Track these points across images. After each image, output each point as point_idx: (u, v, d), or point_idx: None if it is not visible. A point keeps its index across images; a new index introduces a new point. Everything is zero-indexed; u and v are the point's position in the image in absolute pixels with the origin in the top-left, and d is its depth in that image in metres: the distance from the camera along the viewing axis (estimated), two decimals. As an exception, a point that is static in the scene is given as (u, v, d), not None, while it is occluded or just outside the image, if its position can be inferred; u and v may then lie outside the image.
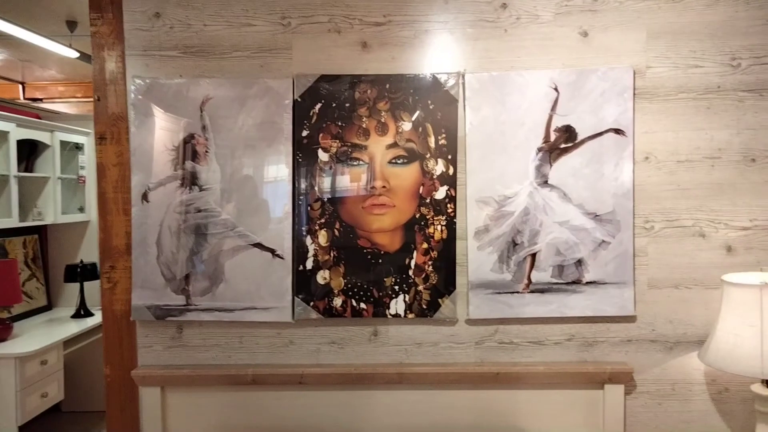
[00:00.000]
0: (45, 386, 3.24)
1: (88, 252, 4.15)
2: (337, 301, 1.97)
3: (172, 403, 2.01)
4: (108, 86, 2.02)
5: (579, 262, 1.93)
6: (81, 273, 3.83)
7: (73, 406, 4.04)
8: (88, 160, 4.22)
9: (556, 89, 1.92)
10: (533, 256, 1.94)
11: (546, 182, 1.93)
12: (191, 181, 1.98)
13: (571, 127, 1.93)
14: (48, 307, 4.06)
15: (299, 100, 1.96)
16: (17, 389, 3.00)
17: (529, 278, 1.94)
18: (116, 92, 2.02)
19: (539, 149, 1.93)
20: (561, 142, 1.93)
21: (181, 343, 2.03)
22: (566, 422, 1.97)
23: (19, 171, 3.53)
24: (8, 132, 3.39)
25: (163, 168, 1.98)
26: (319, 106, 1.96)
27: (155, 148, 1.98)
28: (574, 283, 1.94)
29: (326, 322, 2.00)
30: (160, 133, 1.98)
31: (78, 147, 4.18)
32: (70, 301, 4.03)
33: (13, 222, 3.44)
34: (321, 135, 1.96)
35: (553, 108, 1.93)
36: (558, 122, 1.93)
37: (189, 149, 1.98)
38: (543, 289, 1.94)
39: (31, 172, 3.80)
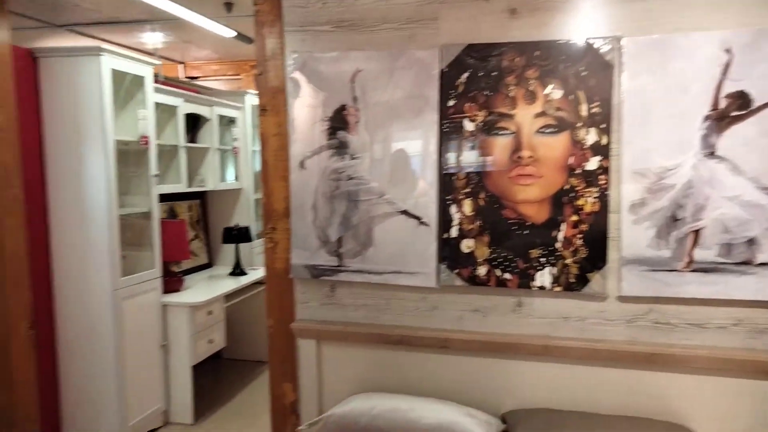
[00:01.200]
0: (211, 334, 3.65)
1: (241, 217, 4.55)
2: (481, 270, 1.99)
3: (327, 355, 2.18)
4: (268, 61, 2.16)
5: (750, 241, 1.76)
6: (237, 235, 4.22)
7: (232, 354, 4.52)
8: (240, 133, 4.60)
9: (728, 51, 1.75)
10: (696, 232, 1.80)
11: (713, 153, 1.78)
12: (343, 150, 2.08)
13: (745, 92, 1.75)
14: (209, 265, 4.52)
15: (446, 70, 1.97)
16: (190, 334, 3.44)
17: (690, 256, 1.81)
18: (275, 67, 2.15)
19: (706, 117, 1.78)
20: (733, 109, 1.76)
21: (334, 301, 2.17)
22: (729, 413, 1.84)
23: (185, 142, 3.94)
24: (177, 107, 3.78)
25: (318, 137, 2.10)
26: (465, 75, 1.96)
27: (310, 118, 2.10)
28: (743, 263, 1.77)
29: (470, 290, 2.03)
30: (314, 104, 2.10)
31: (231, 121, 4.56)
32: (226, 261, 4.46)
33: (182, 187, 3.85)
34: (467, 105, 1.96)
35: (725, 72, 1.75)
36: (729, 87, 1.75)
37: (341, 119, 2.08)
38: (707, 269, 1.80)
39: (194, 143, 4.22)
